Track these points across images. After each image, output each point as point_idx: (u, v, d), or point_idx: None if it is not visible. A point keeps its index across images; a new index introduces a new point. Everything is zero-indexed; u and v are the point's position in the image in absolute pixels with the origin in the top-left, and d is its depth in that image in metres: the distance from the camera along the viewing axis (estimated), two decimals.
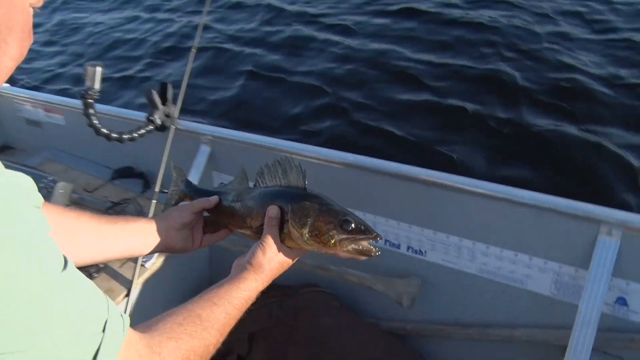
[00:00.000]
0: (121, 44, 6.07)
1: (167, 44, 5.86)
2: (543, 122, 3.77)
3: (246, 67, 5.05)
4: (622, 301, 1.57)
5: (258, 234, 1.23)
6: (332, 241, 1.11)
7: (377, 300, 1.97)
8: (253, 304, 1.13)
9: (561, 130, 3.67)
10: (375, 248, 1.11)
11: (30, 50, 0.81)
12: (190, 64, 2.05)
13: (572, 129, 3.67)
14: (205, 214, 1.42)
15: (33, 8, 0.80)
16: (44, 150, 2.65)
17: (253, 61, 5.15)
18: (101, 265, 1.93)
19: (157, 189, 1.97)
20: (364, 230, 1.12)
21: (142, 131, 2.04)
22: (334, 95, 4.42)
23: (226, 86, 4.84)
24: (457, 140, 3.68)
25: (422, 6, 5.73)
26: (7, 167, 0.69)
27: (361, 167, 1.83)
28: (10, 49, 0.77)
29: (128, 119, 2.24)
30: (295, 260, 1.22)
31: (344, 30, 5.51)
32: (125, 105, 4.24)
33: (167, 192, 1.97)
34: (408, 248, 1.86)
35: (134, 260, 1.93)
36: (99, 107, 2.03)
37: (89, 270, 1.88)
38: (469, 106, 4.00)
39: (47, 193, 2.02)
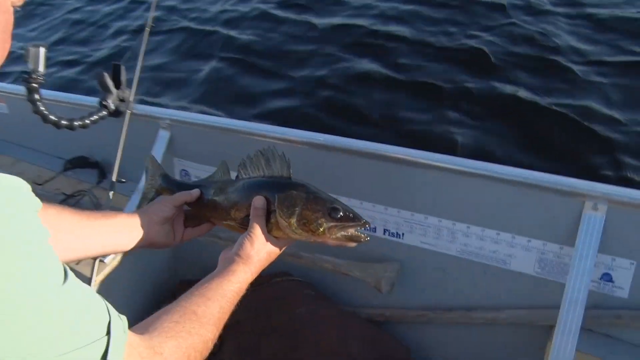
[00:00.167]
0: (70, 25, 5.78)
1: (121, 24, 5.63)
2: (521, 96, 3.73)
3: (213, 50, 4.91)
4: (607, 277, 1.53)
5: (243, 225, 1.23)
6: (321, 229, 1.12)
7: (354, 287, 1.89)
8: None
9: (538, 104, 3.63)
10: (364, 234, 1.12)
11: None
12: (144, 44, 1.93)
13: (548, 103, 3.64)
14: (186, 207, 1.40)
15: (14, 7, 0.77)
16: None
17: (220, 43, 5.00)
18: None
19: (114, 178, 1.86)
20: (353, 218, 1.13)
21: (95, 117, 1.90)
22: (291, 77, 4.32)
23: (193, 69, 4.70)
24: (433, 118, 3.63)
25: None
26: None
27: (328, 147, 1.73)
28: None
29: (79, 104, 2.10)
30: (282, 250, 1.23)
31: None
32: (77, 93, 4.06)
33: (124, 182, 1.86)
34: (385, 231, 1.77)
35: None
36: (46, 92, 1.88)
37: None
38: (441, 82, 3.95)
39: None
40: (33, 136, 2.37)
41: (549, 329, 1.59)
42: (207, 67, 4.67)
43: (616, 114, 3.51)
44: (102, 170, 2.25)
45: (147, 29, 1.94)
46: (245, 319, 1.86)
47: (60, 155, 2.34)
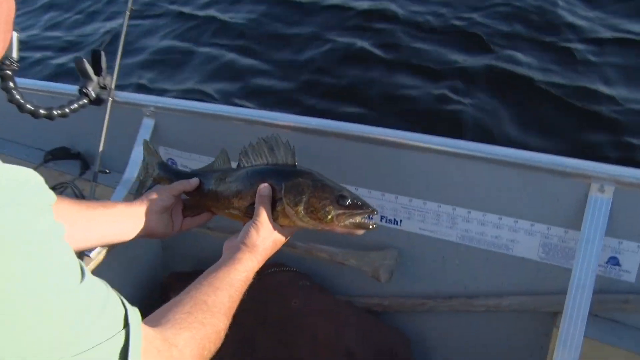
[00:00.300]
0: (48, 8, 5.64)
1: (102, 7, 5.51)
2: (526, 73, 3.64)
3: (201, 35, 4.81)
4: (614, 261, 1.48)
5: (247, 214, 1.22)
6: (329, 217, 1.12)
7: (351, 277, 1.83)
8: None
9: (543, 84, 3.55)
10: (372, 221, 1.12)
11: None
12: (125, 28, 1.86)
13: (548, 82, 3.56)
14: (184, 196, 1.38)
15: None
16: None
17: (212, 28, 4.90)
18: None
19: (96, 169, 1.78)
20: (361, 205, 1.14)
21: (75, 105, 1.80)
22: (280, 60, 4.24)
23: (183, 52, 4.63)
24: (432, 98, 3.56)
25: None
26: None
27: (319, 132, 1.65)
28: None
29: (57, 92, 2.01)
30: (288, 239, 1.23)
31: None
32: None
33: (108, 173, 1.79)
34: (382, 218, 1.71)
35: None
36: (22, 81, 1.81)
37: None
38: (439, 64, 3.86)
39: None
40: (10, 127, 2.29)
41: (554, 315, 1.54)
42: (198, 52, 4.59)
43: (619, 94, 3.44)
44: (84, 161, 2.17)
45: (127, 13, 1.86)
46: (240, 311, 1.80)
47: (40, 147, 2.25)
